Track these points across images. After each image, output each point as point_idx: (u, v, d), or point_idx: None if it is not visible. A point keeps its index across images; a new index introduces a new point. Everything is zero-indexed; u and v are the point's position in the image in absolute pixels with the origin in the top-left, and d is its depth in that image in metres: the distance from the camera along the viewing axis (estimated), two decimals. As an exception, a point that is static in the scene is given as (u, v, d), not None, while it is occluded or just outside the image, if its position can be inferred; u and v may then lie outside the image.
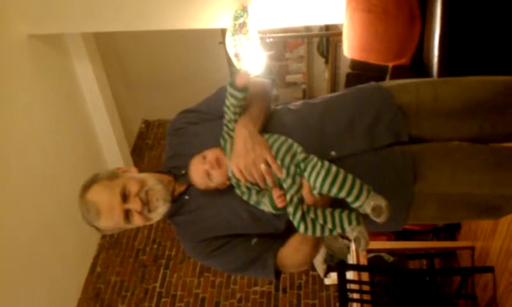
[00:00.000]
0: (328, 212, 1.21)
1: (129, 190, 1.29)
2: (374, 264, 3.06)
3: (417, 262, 3.34)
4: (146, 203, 1.29)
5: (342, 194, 1.17)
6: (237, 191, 1.29)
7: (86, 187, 1.31)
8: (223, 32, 3.17)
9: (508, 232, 2.36)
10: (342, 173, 1.19)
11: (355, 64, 3.13)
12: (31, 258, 3.09)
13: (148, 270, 3.75)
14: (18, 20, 2.87)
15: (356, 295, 2.67)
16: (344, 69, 3.78)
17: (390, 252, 3.10)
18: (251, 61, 2.55)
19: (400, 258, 3.20)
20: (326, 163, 1.21)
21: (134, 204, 1.28)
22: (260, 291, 3.49)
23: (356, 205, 1.18)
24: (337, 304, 3.19)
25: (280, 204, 1.21)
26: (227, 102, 1.30)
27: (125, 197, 1.28)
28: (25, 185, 3.04)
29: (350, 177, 1.18)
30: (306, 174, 1.21)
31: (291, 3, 2.56)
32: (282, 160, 1.22)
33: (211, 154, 1.29)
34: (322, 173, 1.18)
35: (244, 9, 2.46)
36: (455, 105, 1.33)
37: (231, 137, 1.30)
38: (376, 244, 2.91)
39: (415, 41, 2.22)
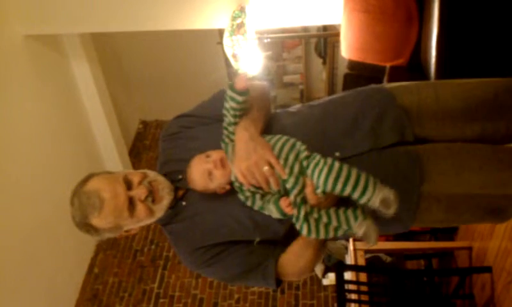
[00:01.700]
0: (332, 210, 1.19)
1: (132, 179, 1.25)
2: (372, 264, 3.06)
3: (415, 262, 3.34)
4: (150, 192, 1.25)
5: (348, 191, 1.14)
6: (241, 197, 1.25)
7: (83, 181, 1.25)
8: (220, 32, 3.17)
9: (506, 232, 2.36)
10: (345, 168, 1.15)
11: (353, 65, 3.13)
12: (29, 259, 3.08)
13: (146, 270, 3.74)
14: (14, 20, 2.86)
15: (354, 296, 2.67)
16: (342, 69, 3.78)
17: (388, 252, 3.10)
18: (249, 61, 2.55)
19: (398, 259, 3.20)
20: (329, 159, 1.17)
21: (139, 191, 1.23)
22: (258, 291, 3.49)
23: (363, 200, 1.14)
24: (335, 305, 3.18)
25: (289, 212, 1.18)
26: (227, 105, 1.26)
27: (128, 186, 1.24)
28: (22, 186, 3.03)
29: (354, 172, 1.14)
30: (309, 171, 1.17)
31: (289, 3, 2.56)
32: (286, 159, 1.19)
33: (216, 154, 1.25)
34: (325, 169, 1.14)
35: (242, 10, 2.46)
36: (457, 106, 1.32)
37: (231, 140, 1.26)
38: (373, 245, 2.91)
39: (412, 41, 2.22)
